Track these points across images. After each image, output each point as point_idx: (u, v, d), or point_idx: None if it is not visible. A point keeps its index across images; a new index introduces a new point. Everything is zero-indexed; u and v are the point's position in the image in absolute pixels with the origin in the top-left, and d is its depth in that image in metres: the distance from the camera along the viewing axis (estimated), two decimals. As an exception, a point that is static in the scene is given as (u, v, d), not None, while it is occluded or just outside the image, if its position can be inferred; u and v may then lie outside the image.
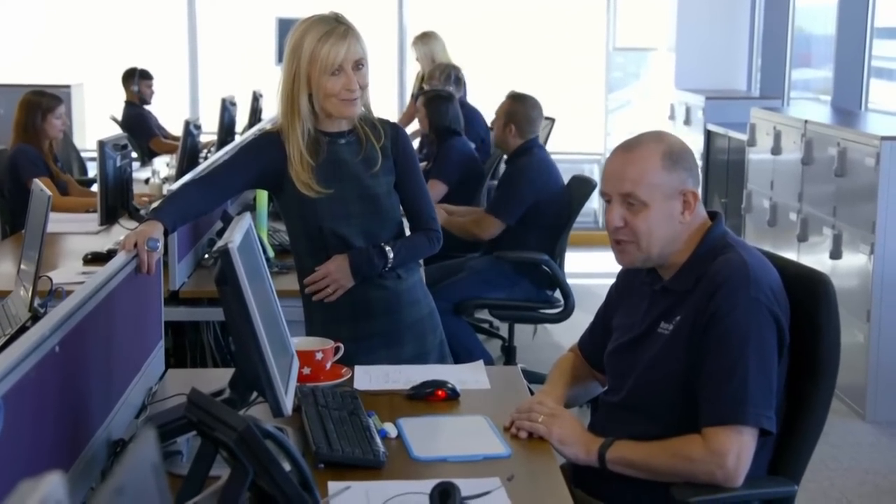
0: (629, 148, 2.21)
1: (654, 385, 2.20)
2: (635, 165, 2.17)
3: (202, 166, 4.16)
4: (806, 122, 5.44)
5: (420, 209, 2.91)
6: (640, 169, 2.17)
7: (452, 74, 6.34)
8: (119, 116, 7.56)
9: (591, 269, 7.00)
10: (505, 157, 5.45)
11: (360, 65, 2.73)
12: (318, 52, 2.68)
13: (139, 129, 7.43)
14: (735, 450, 2.06)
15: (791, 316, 2.17)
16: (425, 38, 7.11)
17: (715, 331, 2.10)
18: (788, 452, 2.21)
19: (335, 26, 2.70)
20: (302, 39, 2.70)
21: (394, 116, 8.49)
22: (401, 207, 2.92)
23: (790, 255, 5.27)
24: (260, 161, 2.81)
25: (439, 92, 5.78)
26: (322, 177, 2.77)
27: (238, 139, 5.55)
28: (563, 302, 4.74)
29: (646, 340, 2.24)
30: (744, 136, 6.43)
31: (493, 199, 4.79)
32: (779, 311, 2.12)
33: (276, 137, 2.79)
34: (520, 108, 4.82)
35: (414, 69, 7.76)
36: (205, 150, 6.26)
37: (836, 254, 4.94)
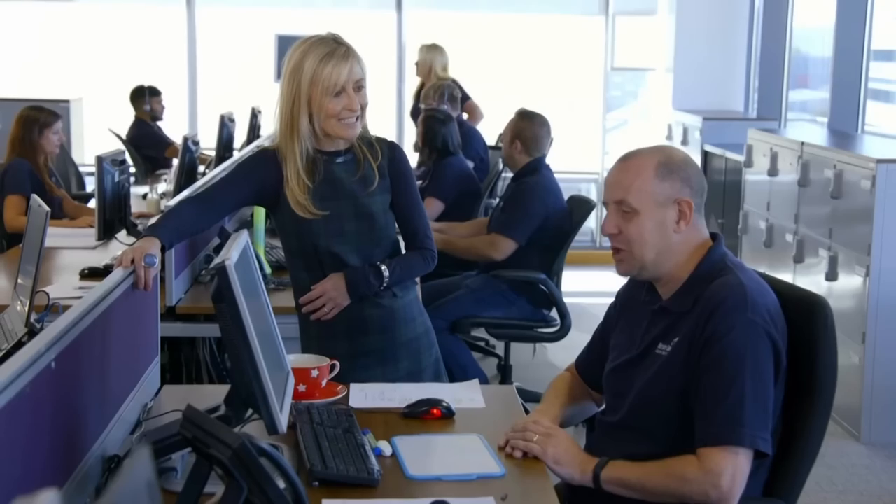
0: (627, 157, 2.26)
1: (652, 405, 2.21)
2: (629, 173, 2.22)
3: (199, 182, 4.17)
4: (802, 143, 5.46)
5: (416, 228, 2.92)
6: (632, 176, 2.21)
7: (446, 93, 6.36)
8: (121, 131, 7.57)
9: (587, 289, 7.01)
10: (504, 174, 5.47)
11: (360, 85, 2.75)
12: (319, 73, 2.69)
13: (153, 144, 7.48)
14: (730, 470, 2.06)
15: (788, 338, 2.18)
16: (430, 48, 7.18)
17: (711, 352, 2.10)
18: (784, 474, 2.21)
19: (336, 48, 2.72)
20: (302, 61, 2.71)
21: (392, 132, 8.52)
22: (396, 226, 2.92)
23: (786, 276, 5.28)
24: (256, 179, 2.82)
25: (436, 112, 5.80)
26: (318, 196, 2.78)
27: (236, 155, 5.57)
28: (559, 321, 4.74)
29: (644, 360, 2.24)
30: (741, 157, 6.45)
31: (503, 220, 4.70)
32: (776, 334, 2.12)
33: (273, 155, 2.80)
34: (527, 126, 4.83)
35: (413, 84, 7.80)
36: (203, 166, 6.27)
37: (831, 275, 4.95)
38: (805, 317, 2.21)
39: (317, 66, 2.69)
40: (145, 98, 7.59)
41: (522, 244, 4.67)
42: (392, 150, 2.89)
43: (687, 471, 2.09)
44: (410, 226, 2.92)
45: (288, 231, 2.87)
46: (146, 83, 7.73)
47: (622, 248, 2.24)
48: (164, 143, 7.63)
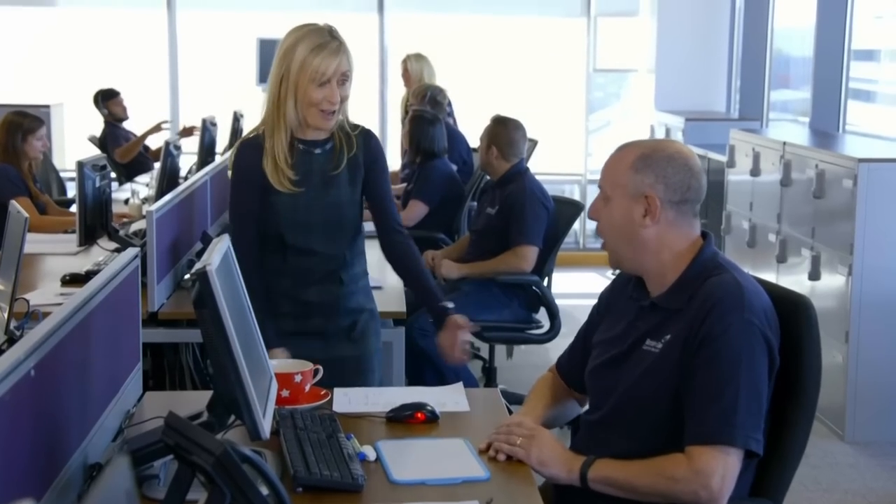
0: (621, 146, 2.28)
1: (638, 403, 2.19)
2: (612, 161, 2.25)
3: (182, 187, 4.15)
4: (784, 143, 5.47)
5: (387, 210, 3.01)
6: (612, 165, 2.24)
7: (429, 95, 6.35)
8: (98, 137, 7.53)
9: (571, 290, 7.02)
10: (486, 178, 5.46)
11: (344, 79, 2.83)
12: (309, 61, 2.78)
13: (108, 146, 7.39)
14: (720, 471, 2.04)
15: None
16: (419, 58, 7.17)
17: (706, 351, 2.09)
18: (770, 474, 2.21)
19: (329, 41, 2.81)
20: (295, 46, 2.80)
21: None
22: (362, 214, 3.00)
23: (769, 276, 5.29)
24: (252, 173, 2.88)
25: (423, 113, 5.79)
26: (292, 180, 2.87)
27: (219, 159, 5.54)
28: (548, 323, 4.74)
29: (630, 357, 2.22)
30: (723, 158, 6.46)
31: (516, 230, 4.65)
32: (770, 335, 2.12)
33: (254, 142, 2.88)
34: (502, 131, 4.82)
35: (394, 88, 7.78)
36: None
37: (814, 275, 4.97)
38: (789, 316, 2.20)
39: (307, 54, 2.78)
40: (99, 103, 7.52)
41: (541, 247, 4.66)
42: (367, 140, 2.97)
43: (676, 470, 2.07)
44: (382, 208, 3.01)
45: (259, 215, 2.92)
46: (112, 86, 7.64)
47: (603, 239, 2.28)
48: (114, 145, 7.45)
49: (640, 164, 2.19)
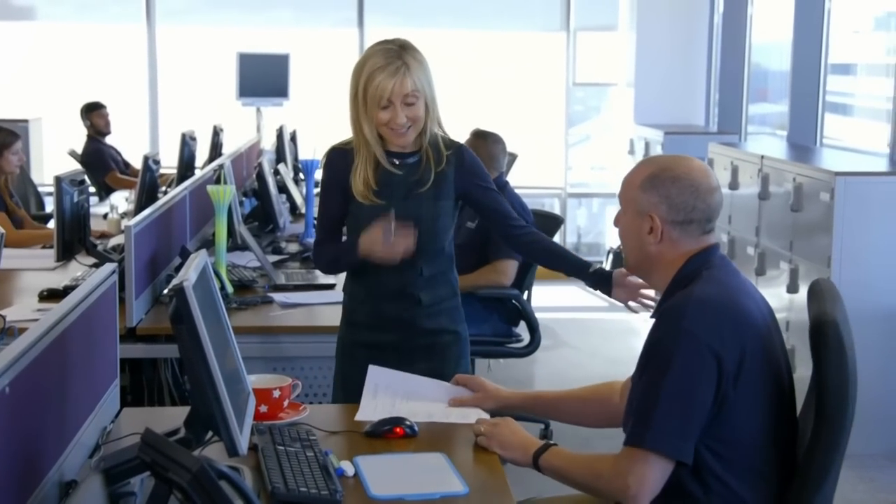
0: (638, 163, 2.33)
1: None
2: (627, 177, 2.32)
3: (161, 202, 4.14)
4: (762, 157, 5.51)
5: (501, 215, 2.99)
6: (626, 181, 2.31)
7: None
8: (80, 150, 7.51)
9: (552, 304, 7.02)
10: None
11: (409, 101, 2.80)
12: (371, 82, 2.78)
13: (95, 163, 7.35)
14: (637, 472, 2.08)
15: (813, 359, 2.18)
16: None
17: (643, 357, 2.16)
18: (797, 497, 2.24)
19: (392, 61, 2.78)
20: (363, 64, 2.82)
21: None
22: (450, 233, 2.97)
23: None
24: (339, 180, 2.90)
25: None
26: (374, 192, 2.87)
27: (198, 174, 5.52)
28: (528, 337, 4.74)
29: None
30: (702, 171, 6.48)
31: (495, 244, 4.61)
32: (720, 348, 2.09)
33: (344, 149, 2.91)
34: (482, 145, 4.81)
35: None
36: (164, 186, 6.21)
37: (793, 288, 4.99)
38: (815, 335, 2.22)
39: (371, 73, 2.78)
40: (83, 114, 7.49)
41: (521, 261, 4.67)
42: (460, 157, 2.94)
43: (602, 467, 2.15)
44: (497, 217, 2.99)
45: (346, 222, 2.96)
46: (97, 99, 7.62)
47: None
48: (104, 166, 7.39)
49: (647, 183, 2.24)
